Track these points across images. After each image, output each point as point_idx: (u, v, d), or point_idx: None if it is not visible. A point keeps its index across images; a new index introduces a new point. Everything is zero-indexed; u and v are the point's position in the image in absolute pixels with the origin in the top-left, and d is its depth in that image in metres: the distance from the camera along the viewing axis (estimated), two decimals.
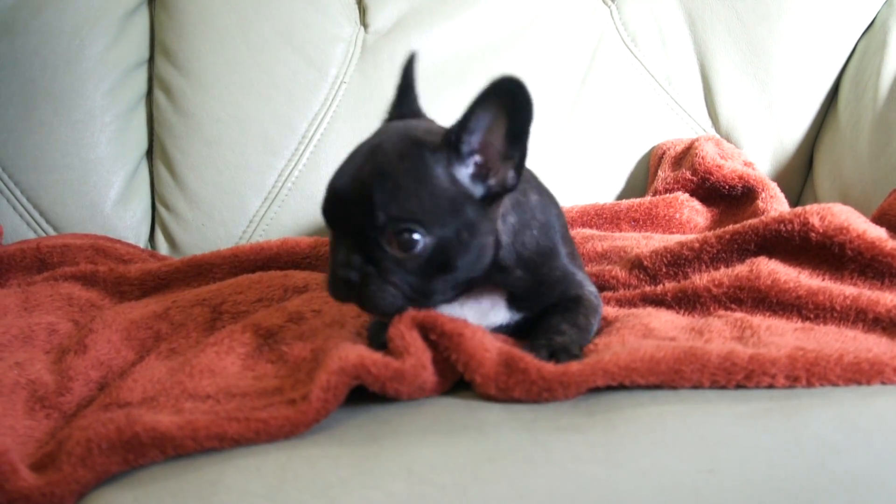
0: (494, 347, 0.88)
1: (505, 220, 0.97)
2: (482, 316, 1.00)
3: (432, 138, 0.91)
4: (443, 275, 0.91)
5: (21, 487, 0.77)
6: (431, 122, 1.03)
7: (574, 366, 0.83)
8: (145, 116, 1.73)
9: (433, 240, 0.88)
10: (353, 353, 0.85)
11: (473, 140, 0.90)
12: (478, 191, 0.91)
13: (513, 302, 1.02)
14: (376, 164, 0.89)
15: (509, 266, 0.98)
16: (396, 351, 0.86)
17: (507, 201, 0.97)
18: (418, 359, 0.85)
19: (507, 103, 0.88)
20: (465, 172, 0.91)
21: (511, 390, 0.83)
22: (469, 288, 0.96)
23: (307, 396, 0.82)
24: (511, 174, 0.92)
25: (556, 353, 0.89)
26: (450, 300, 0.95)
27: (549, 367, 0.84)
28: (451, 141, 0.90)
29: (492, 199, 0.93)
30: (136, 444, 0.78)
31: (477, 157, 0.91)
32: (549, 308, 1.01)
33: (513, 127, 0.89)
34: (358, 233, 0.89)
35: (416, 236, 0.88)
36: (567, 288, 1.03)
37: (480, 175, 0.92)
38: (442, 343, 0.87)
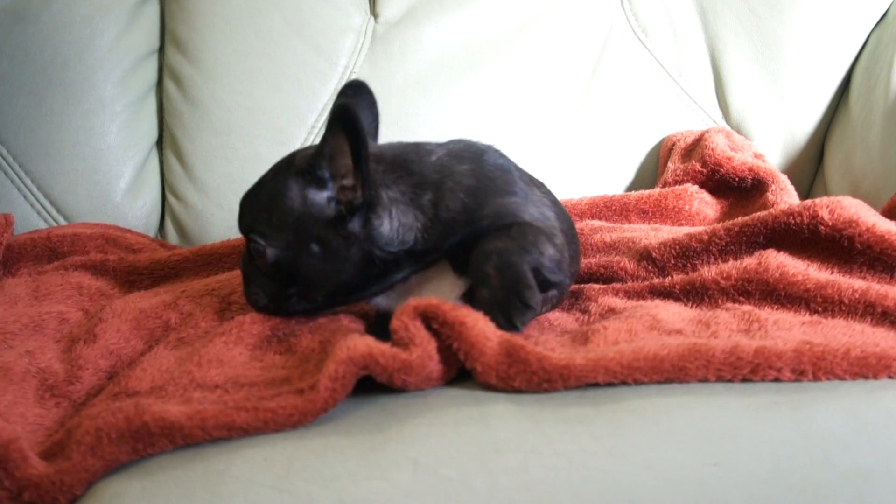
0: (496, 336, 0.88)
1: (391, 217, 1.00)
2: (443, 295, 1.00)
3: (299, 162, 1.00)
4: (295, 282, 1.02)
5: (31, 475, 0.78)
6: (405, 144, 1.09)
7: (578, 359, 0.83)
8: (155, 106, 1.73)
9: (275, 251, 1.00)
10: (362, 344, 0.85)
11: (332, 165, 0.98)
12: (329, 211, 0.99)
13: (457, 268, 1.02)
14: (261, 177, 1.04)
15: (428, 243, 1.01)
16: (402, 342, 0.86)
17: (388, 201, 1.00)
18: (424, 349, 0.86)
19: (346, 129, 0.94)
20: (321, 195, 0.99)
21: (511, 380, 0.83)
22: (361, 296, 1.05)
23: (315, 386, 0.82)
24: (357, 193, 0.98)
25: (492, 317, 0.91)
26: (319, 308, 1.05)
27: (552, 358, 0.83)
28: (306, 166, 0.98)
29: (343, 217, 0.98)
30: (145, 433, 0.79)
31: (343, 181, 0.98)
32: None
33: (353, 150, 0.96)
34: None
35: (260, 246, 1.00)
36: (496, 220, 1.01)
37: (343, 198, 0.99)
38: (444, 332, 0.87)
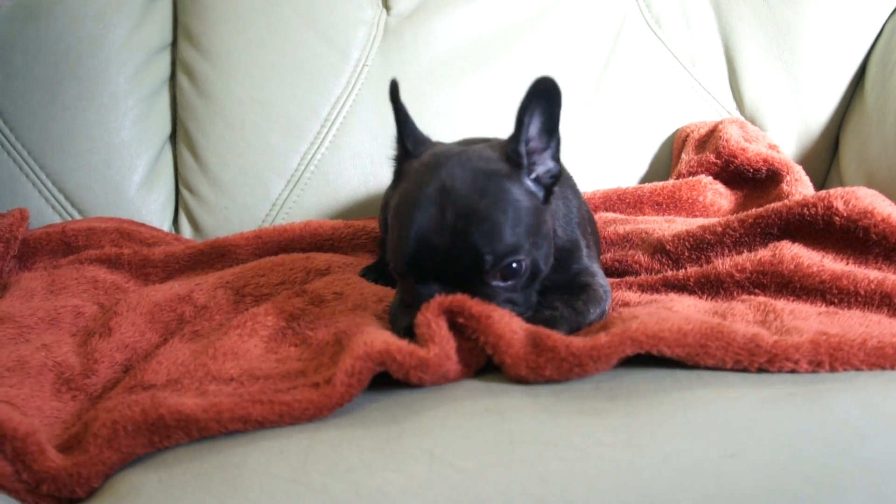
0: (522, 328, 0.88)
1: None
2: None
3: (496, 164, 0.94)
4: (536, 280, 0.95)
5: (48, 468, 0.78)
6: (456, 144, 1.05)
7: (602, 337, 0.83)
8: (168, 100, 1.74)
9: (529, 257, 0.92)
10: (379, 340, 0.85)
11: (527, 147, 0.95)
12: (540, 193, 0.96)
13: None
14: (462, 209, 0.89)
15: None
16: (422, 339, 0.86)
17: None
18: (443, 348, 0.86)
19: (544, 102, 0.93)
20: (529, 182, 0.95)
21: (542, 369, 0.83)
22: None
23: (331, 380, 0.82)
24: (552, 163, 0.97)
25: (536, 323, 0.91)
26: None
27: (578, 342, 0.83)
28: (515, 159, 0.94)
29: (550, 193, 0.97)
30: (161, 426, 0.79)
31: (530, 162, 0.96)
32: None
33: (549, 120, 0.95)
34: (459, 277, 0.90)
35: (521, 263, 0.91)
36: (580, 276, 1.05)
37: (537, 177, 0.96)
38: (470, 325, 0.87)
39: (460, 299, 0.88)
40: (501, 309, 0.89)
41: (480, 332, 0.86)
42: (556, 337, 0.85)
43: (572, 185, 1.17)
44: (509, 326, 0.87)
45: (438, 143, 1.03)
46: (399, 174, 1.00)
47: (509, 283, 0.92)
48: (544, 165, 0.97)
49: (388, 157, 1.03)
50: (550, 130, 0.96)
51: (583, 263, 1.07)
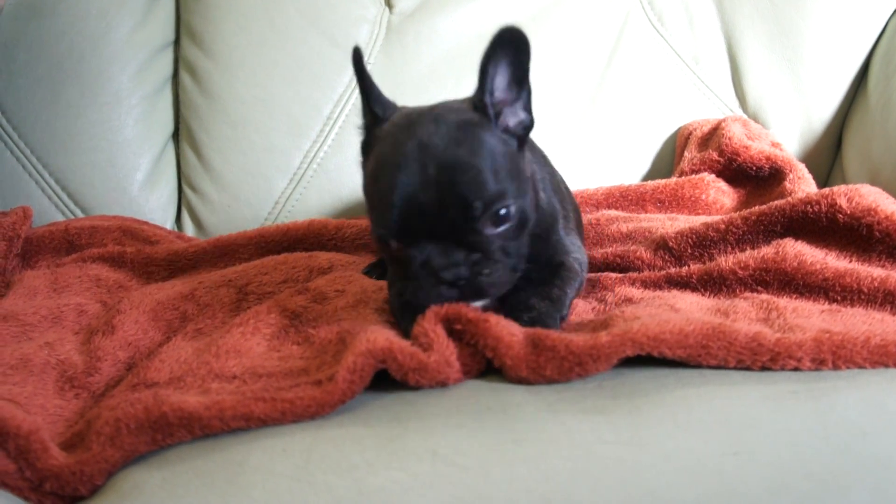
0: (519, 330, 0.88)
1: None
2: None
3: (467, 115, 0.93)
4: (524, 232, 0.94)
5: (52, 466, 0.78)
6: (425, 105, 1.03)
7: (603, 337, 0.83)
8: (171, 98, 1.74)
9: (514, 202, 0.91)
10: (382, 337, 0.86)
11: (495, 98, 0.94)
12: (512, 143, 0.95)
13: None
14: (443, 162, 0.88)
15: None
16: (422, 346, 0.87)
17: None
18: (442, 354, 0.86)
19: (511, 53, 0.93)
20: (499, 132, 0.94)
21: (542, 369, 0.83)
22: None
23: (333, 377, 0.83)
24: (523, 114, 0.97)
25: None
26: None
27: (578, 341, 0.83)
28: (483, 108, 0.93)
29: (521, 144, 0.97)
30: (164, 423, 0.79)
31: (500, 111, 0.95)
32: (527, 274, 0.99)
33: (517, 71, 0.95)
34: (450, 231, 0.89)
35: (509, 208, 0.90)
36: (555, 253, 1.05)
37: (507, 128, 0.95)
38: (469, 331, 0.87)
39: (456, 308, 0.89)
40: (495, 315, 0.89)
41: (479, 336, 0.87)
42: (556, 336, 0.85)
43: (542, 156, 1.18)
44: (507, 329, 0.87)
45: (404, 107, 1.01)
46: (368, 141, 0.99)
47: (501, 229, 0.90)
48: (515, 116, 0.96)
49: (356, 127, 1.02)
50: (520, 81, 0.95)
51: (560, 234, 1.07)
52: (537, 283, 0.99)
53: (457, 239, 0.89)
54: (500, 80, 0.94)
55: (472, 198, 0.87)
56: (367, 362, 0.83)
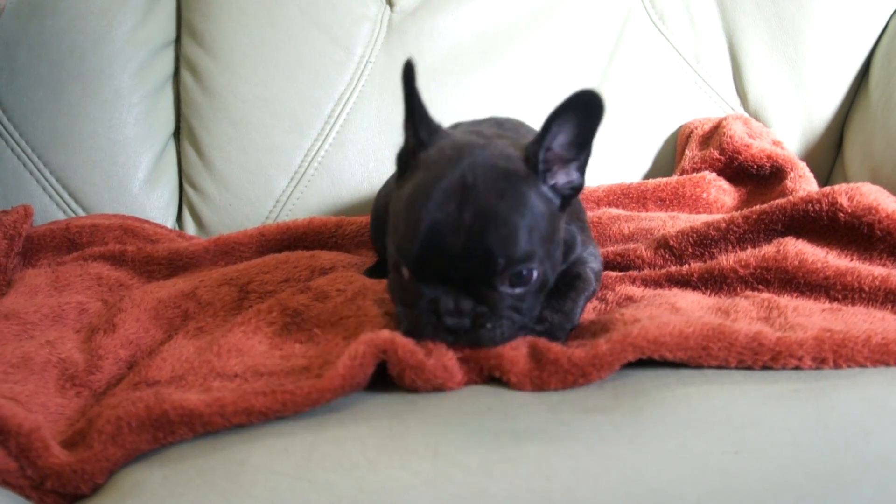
0: (523, 343, 0.88)
1: None
2: None
3: (516, 165, 0.90)
4: (541, 295, 0.93)
5: (53, 464, 0.79)
6: (478, 135, 1.00)
7: (603, 345, 0.83)
8: (172, 97, 1.74)
9: (540, 266, 0.89)
10: (387, 333, 0.86)
11: (550, 154, 0.92)
12: (556, 201, 0.93)
13: None
14: (481, 209, 0.85)
15: None
16: (424, 349, 0.87)
17: None
18: (440, 360, 0.86)
19: (581, 116, 0.89)
20: (546, 189, 0.92)
21: (546, 384, 0.83)
22: None
23: (334, 364, 0.83)
24: (575, 175, 0.94)
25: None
26: None
27: (579, 353, 0.84)
28: (535, 164, 0.90)
29: (567, 204, 0.94)
30: (165, 421, 0.79)
31: (551, 169, 0.92)
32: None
33: (583, 134, 0.91)
34: (467, 280, 0.87)
35: (532, 272, 0.88)
36: (572, 267, 1.04)
37: (555, 186, 0.93)
38: (470, 357, 0.88)
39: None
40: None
41: (482, 357, 0.87)
42: (557, 349, 0.85)
43: None
44: (511, 345, 0.87)
45: (449, 131, 0.98)
46: (406, 164, 0.95)
47: (517, 290, 0.89)
48: (567, 176, 0.93)
49: (396, 146, 0.99)
50: (583, 144, 0.92)
51: (577, 251, 1.06)
52: (552, 294, 0.98)
53: (471, 289, 0.87)
54: (562, 139, 0.91)
55: (497, 254, 0.85)
56: (369, 350, 0.83)
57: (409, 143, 0.95)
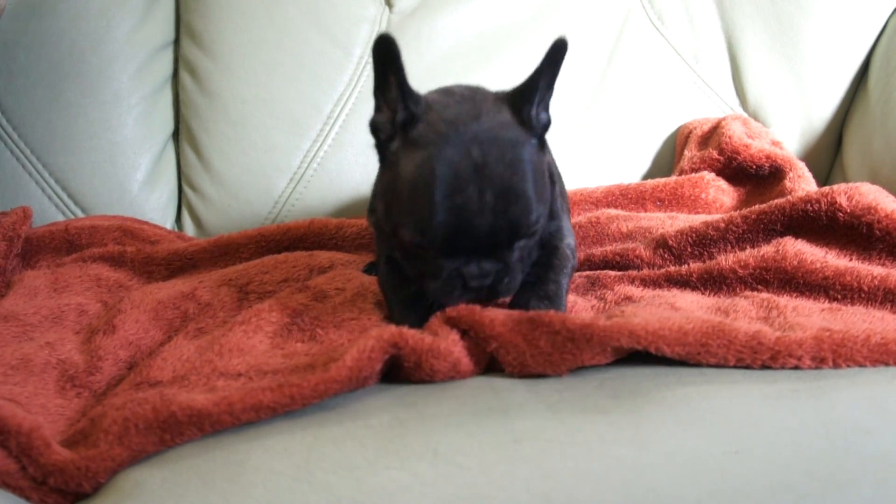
0: (517, 314, 0.90)
1: None
2: None
3: (515, 132, 0.93)
4: (537, 236, 0.97)
5: (55, 461, 0.79)
6: (462, 100, 0.98)
7: (601, 321, 0.84)
8: (171, 98, 1.74)
9: (544, 219, 0.95)
10: (394, 327, 0.87)
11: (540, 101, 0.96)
12: (534, 143, 0.96)
13: None
14: (502, 188, 0.88)
15: None
16: (431, 334, 0.89)
17: None
18: (447, 338, 0.87)
19: (553, 61, 0.94)
20: (535, 140, 0.95)
21: (537, 340, 0.85)
22: None
23: (342, 357, 0.83)
24: (545, 114, 0.97)
25: None
26: None
27: (575, 319, 0.84)
28: (528, 122, 0.94)
29: (542, 143, 0.98)
30: (173, 422, 0.79)
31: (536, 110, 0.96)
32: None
33: (552, 77, 0.95)
34: (491, 249, 0.91)
35: (541, 223, 0.94)
36: (551, 238, 1.06)
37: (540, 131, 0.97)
38: (464, 318, 0.90)
39: (453, 309, 0.91)
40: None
41: (475, 323, 0.89)
42: (552, 314, 0.86)
43: None
44: (503, 312, 0.90)
45: (427, 95, 0.98)
46: (391, 139, 0.95)
47: (525, 243, 0.94)
48: (538, 116, 0.97)
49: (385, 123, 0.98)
50: (550, 84, 0.96)
51: (558, 220, 1.08)
52: (533, 279, 1.00)
53: (490, 254, 0.91)
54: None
55: (523, 226, 0.90)
56: (378, 344, 0.84)
57: (394, 116, 0.95)
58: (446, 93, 0.99)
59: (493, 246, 0.91)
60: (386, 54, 0.93)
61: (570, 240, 1.09)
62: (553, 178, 1.08)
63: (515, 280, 0.94)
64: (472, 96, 0.98)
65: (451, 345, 0.87)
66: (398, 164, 0.93)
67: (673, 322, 0.84)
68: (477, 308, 0.91)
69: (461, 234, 0.89)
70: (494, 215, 0.88)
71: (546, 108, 0.98)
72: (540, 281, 1.01)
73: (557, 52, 0.93)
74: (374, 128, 0.98)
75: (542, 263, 1.02)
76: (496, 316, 0.89)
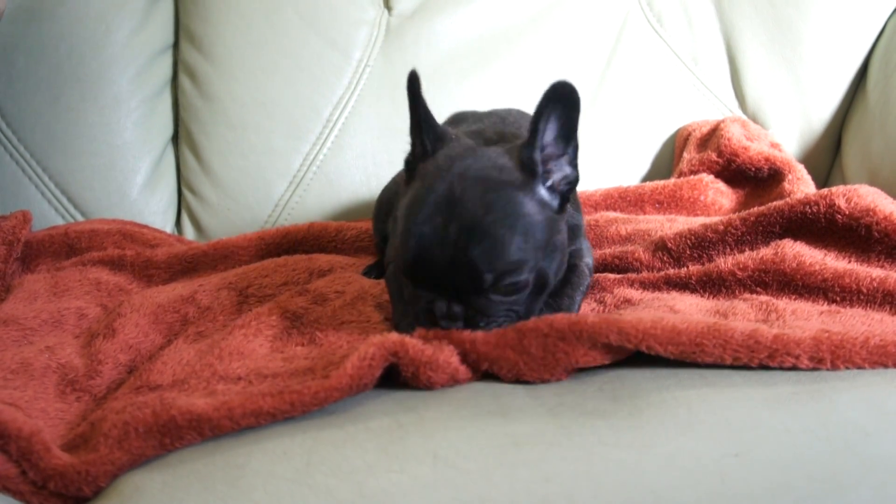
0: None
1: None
2: None
3: (509, 174, 0.91)
4: (542, 294, 0.94)
5: (56, 465, 0.79)
6: (478, 137, 1.01)
7: (589, 317, 0.84)
8: (171, 101, 1.74)
9: (534, 273, 0.90)
10: (395, 335, 0.87)
11: (543, 155, 0.92)
12: (555, 202, 0.94)
13: None
14: (465, 224, 0.87)
15: None
16: (430, 345, 0.88)
17: None
18: (444, 351, 0.87)
19: (561, 108, 0.90)
20: (543, 191, 0.92)
21: (528, 348, 0.84)
22: None
23: (342, 364, 0.83)
24: (569, 169, 0.95)
25: None
26: None
27: (561, 318, 0.84)
28: (530, 167, 0.91)
29: (565, 202, 0.95)
30: (173, 427, 0.79)
31: (546, 169, 0.93)
32: None
33: (566, 126, 0.92)
34: (458, 291, 0.89)
35: (522, 279, 0.89)
36: (572, 256, 1.05)
37: (552, 186, 0.94)
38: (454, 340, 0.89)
39: (442, 334, 0.90)
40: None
41: (459, 345, 0.88)
42: (536, 319, 0.86)
43: None
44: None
45: (455, 138, 0.98)
46: (413, 172, 0.97)
47: (511, 298, 0.90)
48: (561, 172, 0.94)
49: (394, 150, 1.01)
50: (567, 136, 0.93)
51: (578, 242, 1.07)
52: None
53: (462, 296, 0.90)
54: (550, 135, 0.93)
55: (483, 269, 0.87)
56: (378, 352, 0.84)
57: (415, 149, 0.97)
58: (476, 119, 1.07)
59: (460, 287, 0.88)
60: (409, 90, 0.93)
61: (588, 259, 1.08)
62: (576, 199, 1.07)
63: (498, 325, 0.91)
64: (495, 131, 1.01)
65: (449, 356, 0.86)
66: (405, 195, 0.94)
67: (666, 321, 0.84)
68: (453, 332, 0.89)
69: (424, 264, 0.88)
70: (455, 250, 0.87)
71: (571, 163, 0.95)
72: (554, 293, 1.00)
73: (554, 93, 0.89)
74: (406, 165, 0.99)
75: (561, 279, 1.01)
76: (476, 336, 0.87)
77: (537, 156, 0.91)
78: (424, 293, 0.90)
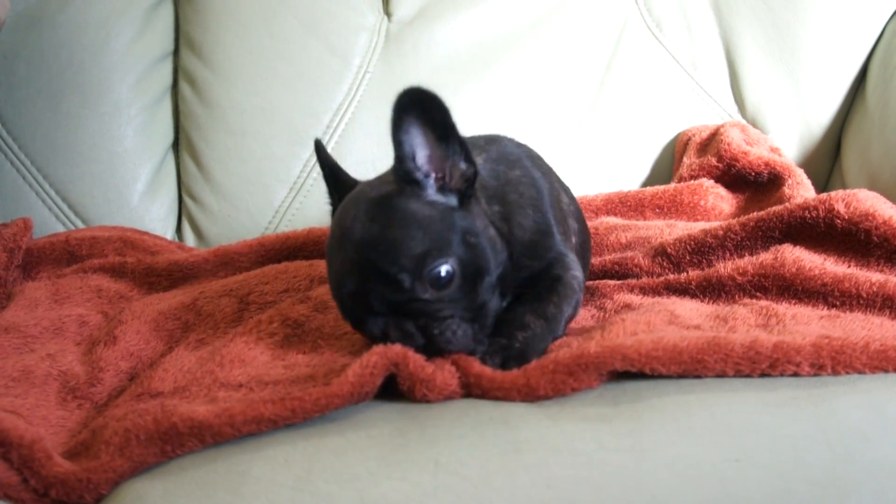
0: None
1: (490, 208, 0.99)
2: None
3: (388, 188, 0.92)
4: (481, 282, 0.92)
5: (57, 473, 0.79)
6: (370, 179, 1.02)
7: (591, 347, 0.83)
8: (171, 108, 1.74)
9: (455, 260, 0.89)
10: (399, 347, 0.87)
11: (419, 162, 0.92)
12: (451, 200, 0.93)
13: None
14: (359, 240, 0.89)
15: (517, 257, 0.99)
16: (431, 362, 0.88)
17: (480, 192, 0.98)
18: (445, 368, 0.87)
19: (419, 114, 0.89)
20: (434, 194, 0.92)
21: (535, 390, 0.82)
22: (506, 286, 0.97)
23: (344, 371, 0.83)
24: (464, 165, 0.93)
25: (508, 362, 0.89)
26: (504, 302, 0.97)
27: (564, 353, 0.83)
28: (402, 176, 0.92)
29: (466, 197, 0.94)
30: (174, 434, 0.79)
31: (432, 174, 0.93)
32: (524, 290, 1.00)
33: (436, 129, 0.91)
34: (391, 306, 0.89)
35: (443, 268, 0.89)
36: (551, 267, 1.02)
37: (444, 186, 0.93)
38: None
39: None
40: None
41: (468, 374, 0.87)
42: (543, 357, 0.85)
43: (541, 167, 1.12)
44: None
45: (359, 182, 1.02)
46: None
47: (444, 292, 0.89)
48: (457, 170, 0.93)
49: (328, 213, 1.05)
50: (444, 137, 0.91)
51: (557, 249, 1.04)
52: (532, 298, 0.98)
53: (400, 313, 0.89)
54: (419, 143, 0.91)
55: (392, 270, 0.87)
56: (381, 361, 0.83)
57: (333, 206, 1.05)
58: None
59: (390, 302, 0.88)
60: (317, 154, 1.08)
61: (577, 272, 1.04)
62: (554, 208, 1.06)
63: (452, 329, 0.90)
64: (380, 175, 1.00)
65: (449, 378, 0.85)
66: None
67: (667, 341, 0.83)
68: (461, 357, 0.89)
69: (348, 299, 0.91)
70: (361, 269, 0.88)
71: (466, 159, 0.93)
72: (539, 299, 0.98)
73: (401, 103, 0.88)
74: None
75: (545, 288, 1.00)
76: (483, 372, 0.86)
77: (409, 166, 0.91)
78: (373, 322, 0.90)
